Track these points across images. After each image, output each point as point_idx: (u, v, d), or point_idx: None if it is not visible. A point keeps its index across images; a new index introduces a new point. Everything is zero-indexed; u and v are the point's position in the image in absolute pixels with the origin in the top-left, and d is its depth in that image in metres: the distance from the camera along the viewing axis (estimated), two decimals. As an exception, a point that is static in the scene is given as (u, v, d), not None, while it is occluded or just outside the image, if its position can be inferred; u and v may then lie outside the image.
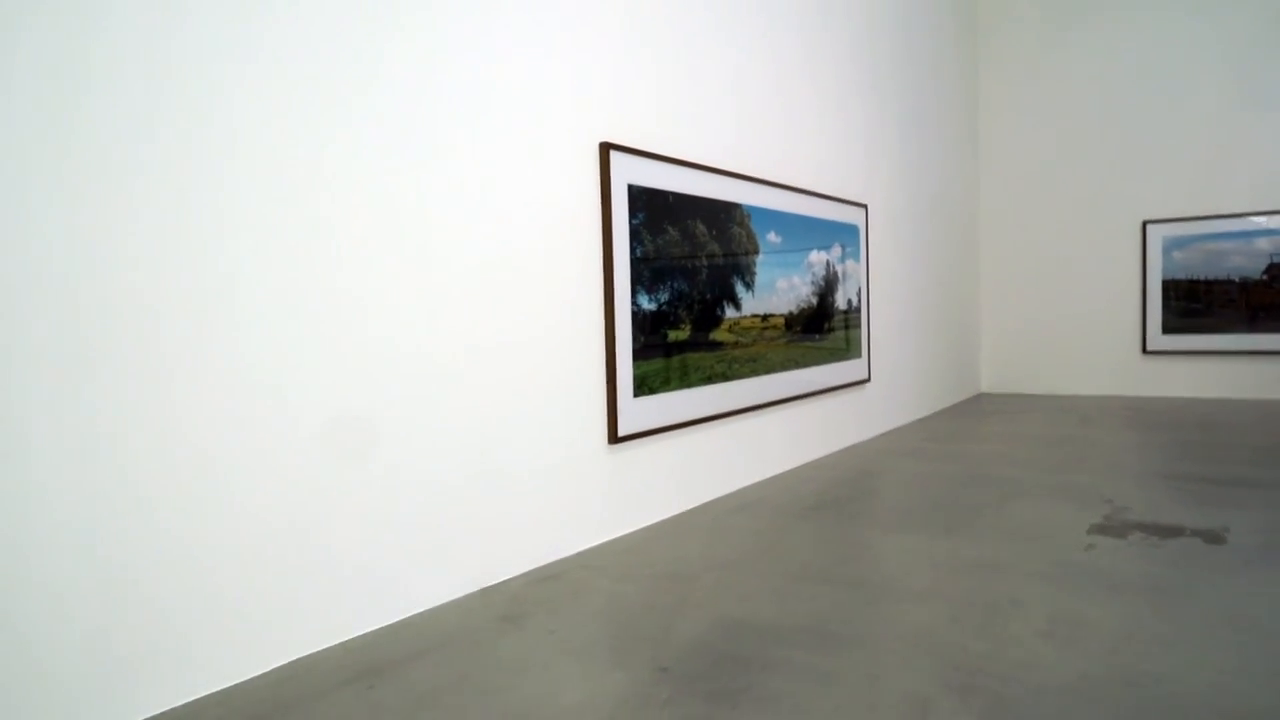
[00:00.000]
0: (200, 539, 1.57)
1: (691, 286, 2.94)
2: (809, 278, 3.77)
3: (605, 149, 2.54)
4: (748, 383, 3.28)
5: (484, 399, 2.16)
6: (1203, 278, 5.89)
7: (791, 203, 3.62)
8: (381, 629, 1.89)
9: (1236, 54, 5.70)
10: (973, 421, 4.99)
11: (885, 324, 4.66)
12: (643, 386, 2.70)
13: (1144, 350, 6.05)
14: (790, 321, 3.61)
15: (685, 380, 2.91)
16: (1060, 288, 6.31)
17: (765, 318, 3.41)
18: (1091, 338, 6.22)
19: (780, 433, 3.56)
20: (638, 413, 2.68)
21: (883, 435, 4.51)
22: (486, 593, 2.12)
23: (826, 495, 3.11)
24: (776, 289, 3.49)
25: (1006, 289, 6.53)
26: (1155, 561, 2.22)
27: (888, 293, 4.70)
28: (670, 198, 2.82)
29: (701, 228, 2.99)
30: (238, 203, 1.63)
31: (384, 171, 1.91)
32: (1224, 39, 5.73)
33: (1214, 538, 2.41)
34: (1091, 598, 1.96)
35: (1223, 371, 5.81)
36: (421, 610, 1.99)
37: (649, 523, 2.74)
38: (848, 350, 4.17)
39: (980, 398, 6.24)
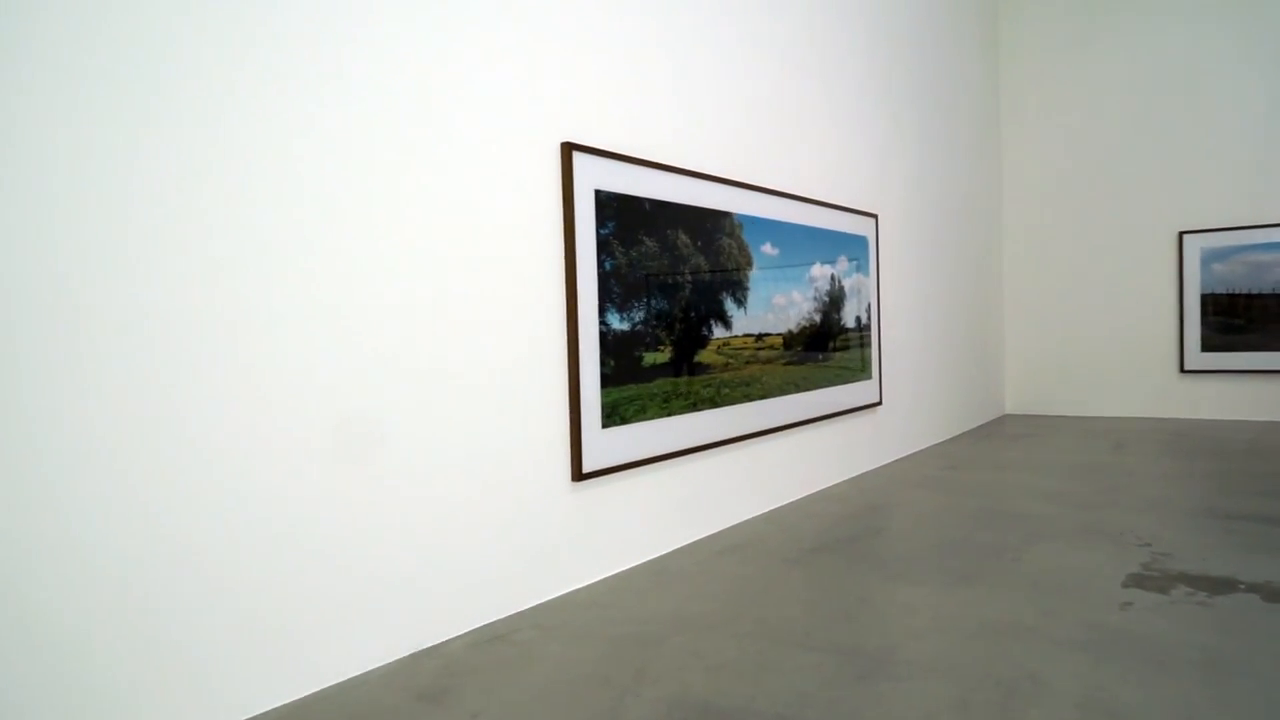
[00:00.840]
0: (72, 616, 1.30)
1: (673, 304, 2.65)
2: (811, 293, 3.46)
3: (567, 150, 2.26)
4: (741, 409, 2.98)
5: (422, 432, 1.88)
6: (1244, 291, 5.49)
7: (791, 212, 3.32)
8: (278, 709, 1.60)
9: (1276, 55, 5.32)
10: (995, 446, 4.63)
11: (899, 342, 4.34)
12: (613, 416, 2.40)
13: (1181, 369, 5.66)
14: (790, 341, 3.30)
15: (666, 408, 2.61)
16: (1091, 302, 5.94)
17: (760, 337, 3.11)
18: (1125, 356, 5.83)
19: (780, 462, 3.25)
20: (607, 446, 2.38)
21: (897, 462, 4.17)
22: (418, 658, 1.83)
23: (828, 534, 2.78)
24: (773, 306, 3.19)
25: (1032, 304, 6.16)
26: (1205, 625, 1.88)
27: (901, 309, 4.37)
28: (647, 205, 2.54)
29: (684, 239, 2.70)
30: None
31: (302, 180, 1.65)
32: (1262, 40, 5.36)
33: (1274, 594, 2.07)
34: (1129, 674, 1.63)
35: (1268, 392, 5.40)
36: (336, 682, 1.70)
37: (620, 569, 2.43)
38: (857, 371, 3.84)
39: (1004, 420, 5.86)
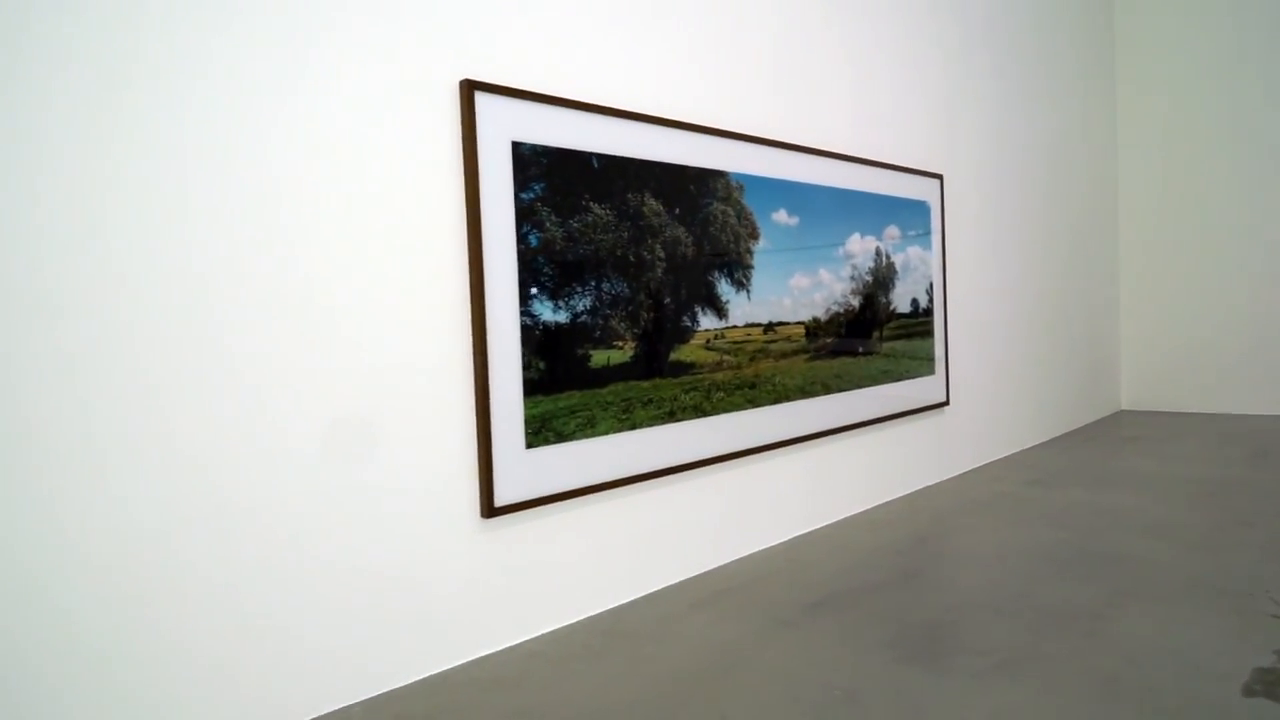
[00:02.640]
0: None
1: (637, 288, 2.09)
2: (846, 271, 2.82)
3: (468, 90, 1.74)
4: (741, 417, 2.39)
5: (268, 462, 1.41)
6: None
7: (817, 171, 2.69)
8: None
9: None
10: (1099, 454, 3.83)
11: (973, 329, 3.61)
12: (544, 432, 1.88)
13: (1347, 357, 4.63)
14: (815, 331, 2.68)
15: (626, 419, 2.06)
16: (1225, 282, 4.95)
17: (771, 327, 2.50)
18: (1267, 343, 4.83)
19: (802, 481, 2.64)
20: (534, 471, 1.86)
21: (968, 475, 3.46)
22: (223, 765, 1.37)
23: (846, 578, 2.17)
24: (791, 288, 2.57)
25: (1155, 283, 5.21)
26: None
27: (977, 289, 3.64)
28: (596, 162, 1.99)
29: (654, 205, 2.13)
30: None
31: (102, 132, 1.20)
32: None
33: None
34: None
35: None
36: (89, 804, 1.26)
37: (554, 628, 1.91)
38: (914, 365, 3.17)
39: (1119, 417, 4.98)
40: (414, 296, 1.67)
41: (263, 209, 1.46)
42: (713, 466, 2.32)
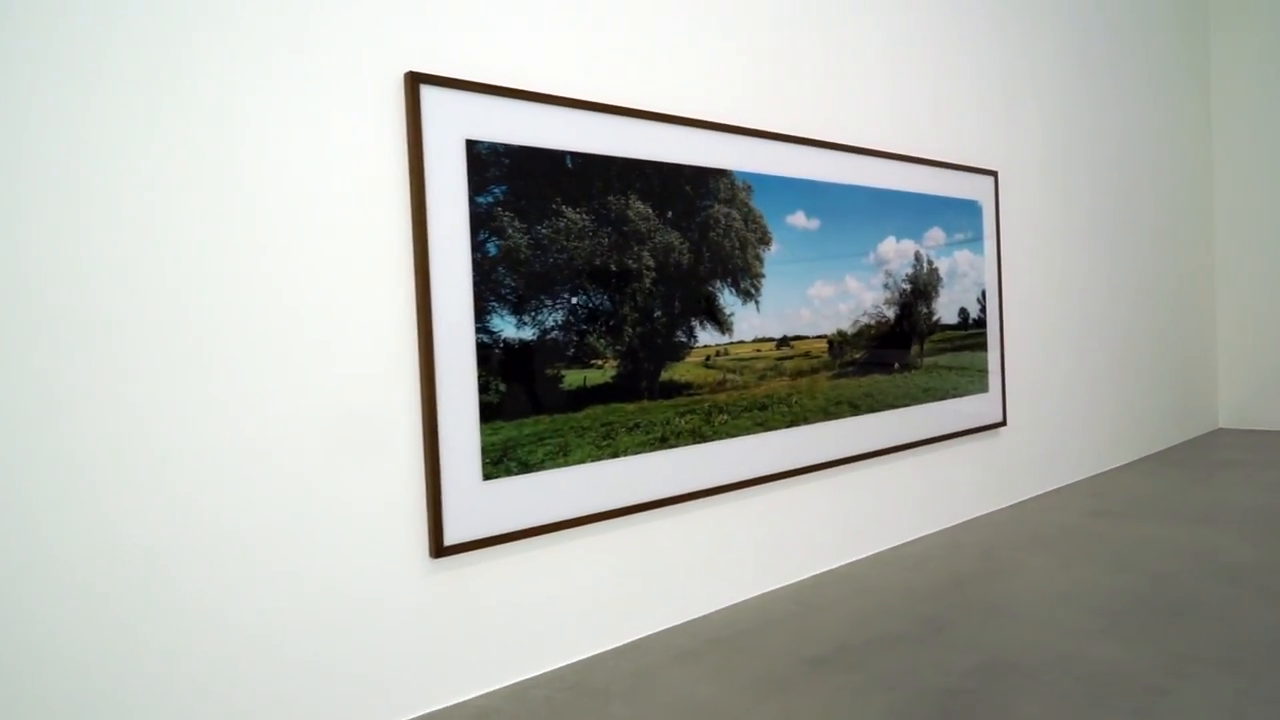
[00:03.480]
0: None
1: (620, 301, 1.88)
2: (879, 279, 2.54)
3: (414, 84, 1.57)
4: (749, 442, 2.15)
5: (178, 497, 1.27)
6: None
7: (843, 168, 2.43)
8: None
9: None
10: (1185, 480, 3.41)
11: (1033, 340, 3.26)
12: (505, 461, 1.69)
13: None
14: (839, 345, 2.42)
15: (607, 446, 1.86)
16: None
17: (785, 342, 2.26)
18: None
19: (825, 512, 2.38)
20: (492, 504, 1.67)
21: (1028, 503, 3.11)
22: (106, 838, 1.23)
23: (859, 629, 1.91)
24: (810, 298, 2.32)
25: (1260, 289, 4.69)
26: None
27: (1037, 296, 3.29)
28: (569, 161, 1.80)
29: (641, 207, 1.92)
30: None
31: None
32: None
33: None
34: None
35: None
36: None
37: (505, 684, 1.71)
38: (963, 382, 2.86)
39: (1215, 437, 4.48)
40: (352, 311, 1.51)
41: (168, 216, 1.32)
42: (714, 497, 2.09)
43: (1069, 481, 3.41)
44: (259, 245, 1.41)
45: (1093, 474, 3.55)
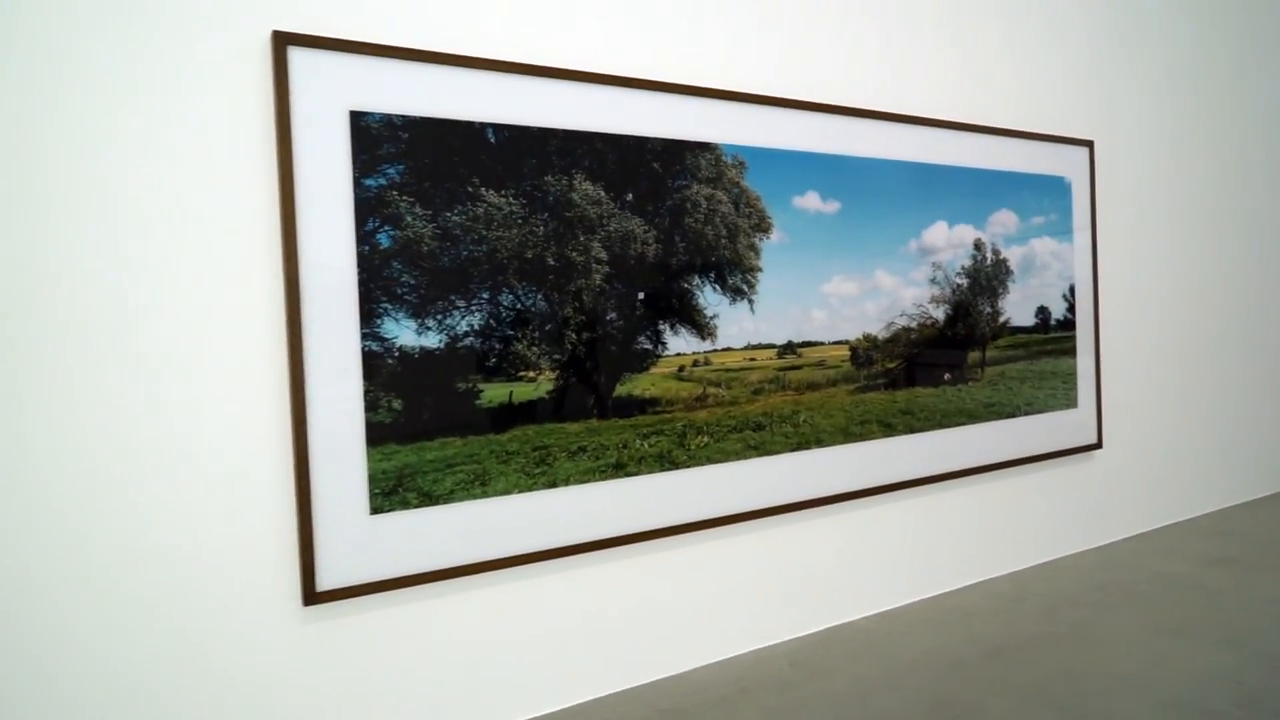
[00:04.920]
0: None
1: (559, 300, 1.58)
2: (922, 272, 2.11)
3: (280, 45, 1.33)
4: (738, 469, 1.80)
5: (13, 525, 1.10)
6: None
7: (871, 139, 2.02)
8: None
9: None
10: (1346, 521, 2.75)
11: (1138, 346, 2.70)
12: (401, 491, 1.43)
13: None
14: (865, 353, 2.01)
15: (541, 475, 1.56)
16: None
17: (791, 349, 1.88)
18: None
19: (844, 553, 1.99)
20: (382, 542, 1.41)
21: (1126, 543, 2.57)
22: None
23: (845, 708, 1.53)
24: (825, 297, 1.94)
25: None
26: None
27: (1146, 293, 2.72)
28: (491, 134, 1.51)
29: (589, 188, 1.61)
30: None
31: None
32: None
33: None
34: None
35: None
36: None
37: (407, 753, 1.45)
38: (1038, 396, 2.37)
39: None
40: (208, 315, 1.29)
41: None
42: (690, 535, 1.75)
43: (1181, 518, 2.81)
44: (92, 241, 1.20)
45: (1213, 509, 2.93)
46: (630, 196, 1.66)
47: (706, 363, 1.76)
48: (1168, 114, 2.76)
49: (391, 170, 1.42)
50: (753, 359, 1.83)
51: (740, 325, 1.81)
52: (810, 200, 1.91)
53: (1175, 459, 2.79)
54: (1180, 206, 2.81)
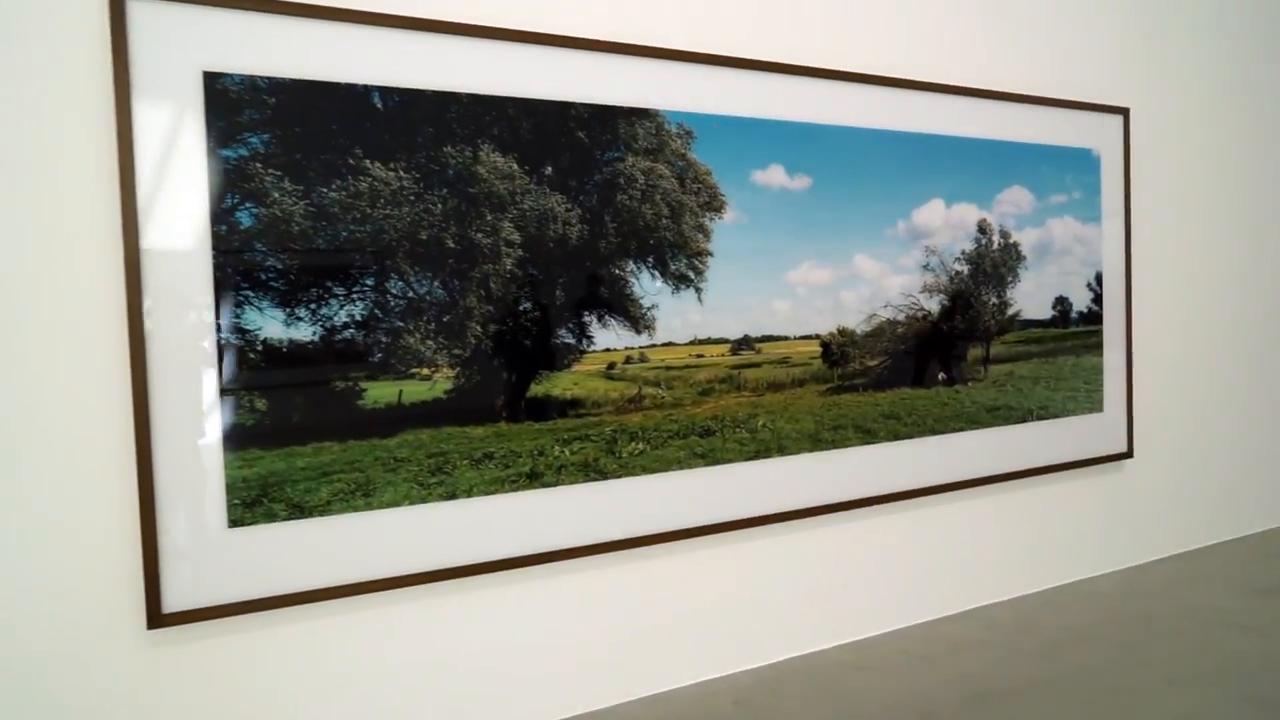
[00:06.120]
0: None
1: (461, 287, 1.40)
2: (912, 258, 1.86)
3: (118, -3, 1.17)
4: (683, 479, 1.59)
5: None
6: None
7: (850, 104, 1.78)
8: None
9: None
10: None
11: (1177, 343, 2.38)
12: (266, 501, 1.26)
13: None
14: (840, 349, 1.78)
15: (439, 485, 1.38)
16: None
17: (747, 344, 1.66)
18: None
19: (809, 574, 1.77)
20: (246, 560, 1.26)
21: (1156, 565, 2.27)
22: None
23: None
24: (791, 286, 1.71)
25: None
26: None
27: (1185, 283, 2.40)
28: (378, 99, 1.33)
29: (498, 160, 1.42)
30: None
31: None
32: None
33: None
34: None
35: None
36: None
37: (270, 797, 1.29)
38: (1055, 399, 2.09)
39: None
40: (40, 304, 1.14)
41: None
42: (620, 553, 1.55)
43: (1226, 538, 2.48)
44: None
45: (1264, 528, 2.58)
46: (549, 170, 1.46)
47: (643, 359, 1.56)
48: (1220, 77, 2.42)
49: (255, 140, 1.25)
50: (700, 355, 1.62)
51: (685, 317, 1.59)
52: (774, 175, 1.68)
53: (1219, 469, 2.46)
54: (1230, 185, 2.47)
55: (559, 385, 1.48)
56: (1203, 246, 2.40)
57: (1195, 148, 2.37)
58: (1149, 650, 1.72)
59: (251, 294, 1.25)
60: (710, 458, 1.62)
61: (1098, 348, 2.18)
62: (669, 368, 1.59)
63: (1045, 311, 2.09)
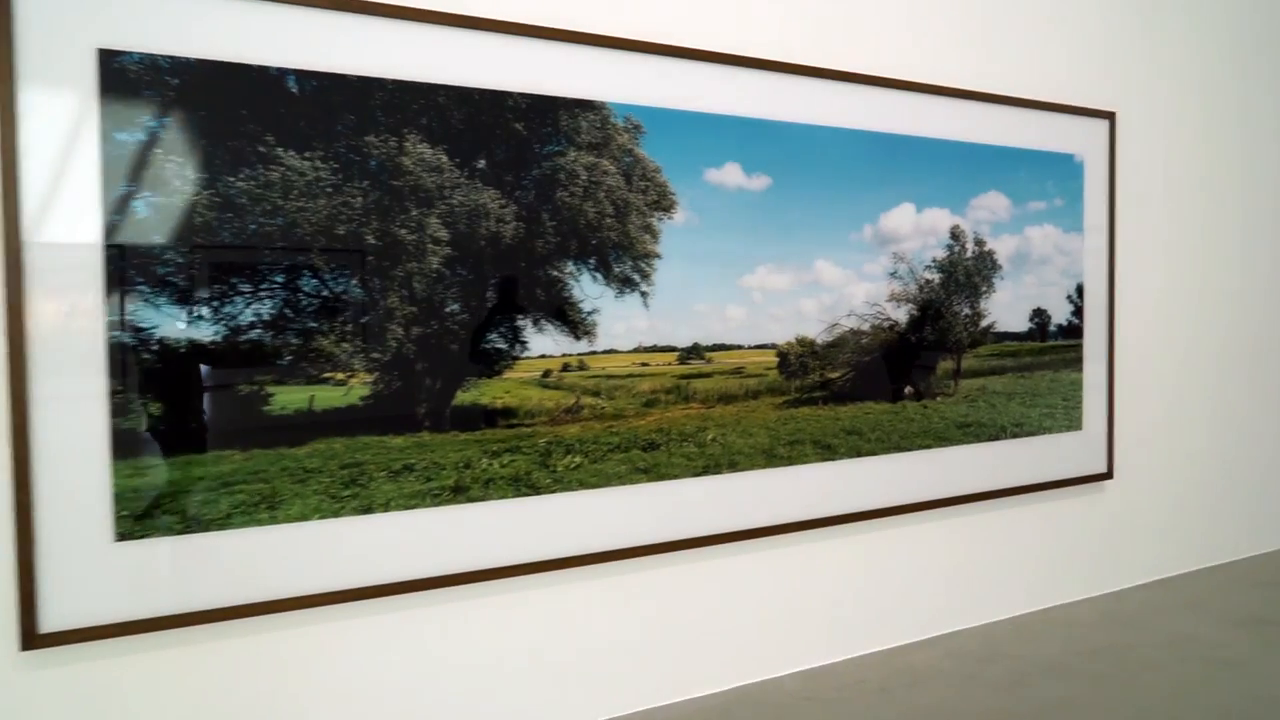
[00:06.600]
0: None
1: (382, 286, 1.31)
2: (879, 265, 1.77)
3: (0, -34, 1.08)
4: (624, 495, 1.50)
5: None
6: None
7: (813, 101, 1.69)
8: None
9: None
10: None
11: (1164, 360, 2.29)
12: (158, 514, 1.18)
13: None
14: (799, 360, 1.69)
15: (352, 499, 1.29)
16: None
17: (695, 353, 1.57)
18: None
19: (759, 599, 1.67)
20: (134, 576, 1.17)
21: (1138, 590, 2.17)
22: None
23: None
24: (747, 291, 1.62)
25: None
26: None
27: (1173, 295, 2.30)
28: (294, 83, 1.24)
29: (425, 152, 1.33)
30: None
31: None
32: None
33: None
34: None
35: None
36: None
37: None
38: (1030, 415, 2.00)
39: None
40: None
41: None
42: (553, 574, 1.46)
43: (1209, 564, 2.37)
44: None
45: (1250, 553, 2.47)
46: (483, 164, 1.37)
47: (582, 367, 1.47)
48: (1212, 82, 2.33)
49: (155, 124, 1.16)
50: (645, 364, 1.53)
51: (629, 323, 1.50)
52: (730, 174, 1.59)
53: (1203, 493, 2.36)
54: (1220, 194, 2.37)
55: (489, 393, 1.39)
56: (1190, 259, 2.31)
57: (1185, 155, 2.28)
58: (1119, 684, 1.62)
59: (147, 290, 1.16)
60: (654, 473, 1.53)
61: (1077, 362, 2.08)
62: (610, 376, 1.50)
63: (1022, 324, 2.00)
